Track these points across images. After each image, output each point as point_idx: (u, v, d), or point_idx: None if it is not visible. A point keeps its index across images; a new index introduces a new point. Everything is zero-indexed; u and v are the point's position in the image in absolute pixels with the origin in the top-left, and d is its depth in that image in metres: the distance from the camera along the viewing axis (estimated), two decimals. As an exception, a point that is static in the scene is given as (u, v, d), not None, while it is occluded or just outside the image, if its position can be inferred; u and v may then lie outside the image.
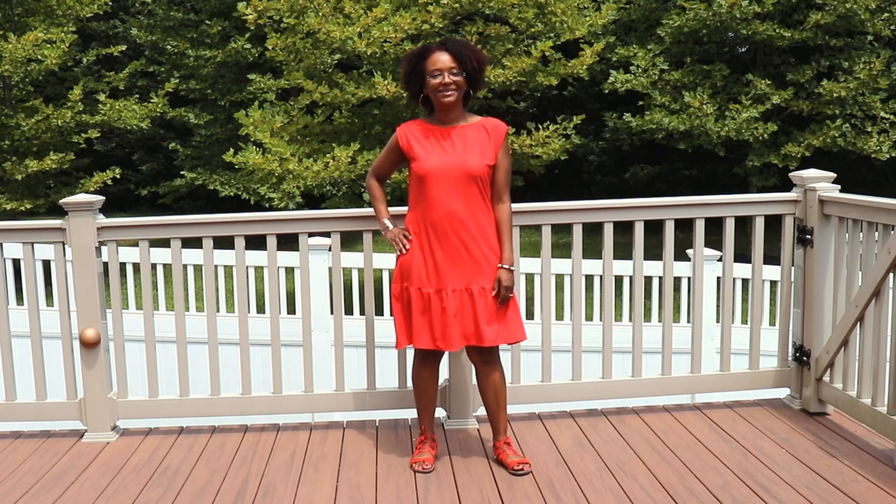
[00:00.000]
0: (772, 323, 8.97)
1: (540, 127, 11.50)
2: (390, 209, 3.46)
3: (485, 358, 3.24)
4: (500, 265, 3.22)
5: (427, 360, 3.33)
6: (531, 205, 3.72)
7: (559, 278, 8.43)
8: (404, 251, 3.22)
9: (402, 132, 3.27)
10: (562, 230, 8.09)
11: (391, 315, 3.58)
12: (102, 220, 3.66)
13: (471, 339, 3.17)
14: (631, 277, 6.34)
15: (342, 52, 10.99)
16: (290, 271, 9.78)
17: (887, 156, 12.11)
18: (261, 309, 11.40)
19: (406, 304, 3.22)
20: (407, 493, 3.05)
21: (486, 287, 3.17)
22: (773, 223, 3.83)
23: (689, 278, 7.92)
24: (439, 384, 3.73)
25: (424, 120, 3.29)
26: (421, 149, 3.20)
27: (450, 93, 3.16)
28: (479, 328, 3.15)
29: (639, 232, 3.76)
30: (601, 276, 4.38)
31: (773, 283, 8.36)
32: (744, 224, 5.18)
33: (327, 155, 10.80)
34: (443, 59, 3.15)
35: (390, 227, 3.32)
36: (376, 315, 7.10)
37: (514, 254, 3.45)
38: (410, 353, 3.74)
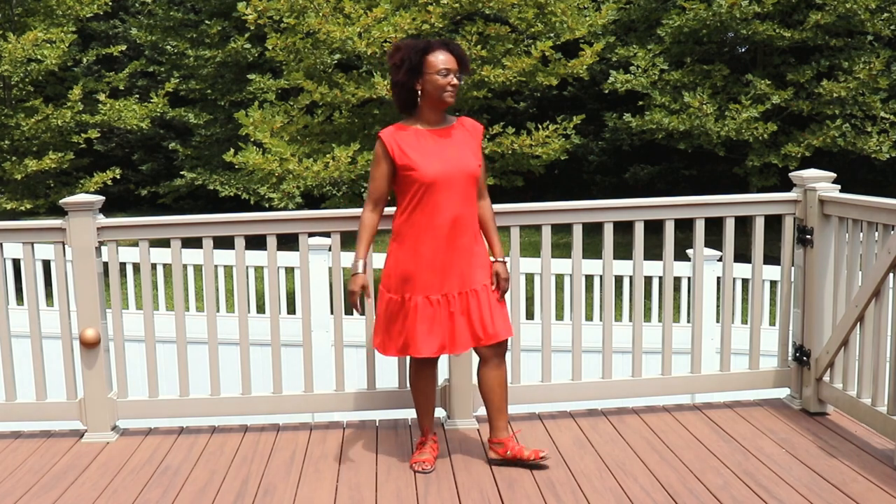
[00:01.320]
0: (772, 323, 8.97)
1: (540, 127, 11.51)
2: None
3: (497, 351, 3.22)
4: (496, 259, 3.23)
5: (427, 364, 3.30)
6: (531, 205, 3.72)
7: (559, 278, 8.43)
8: (359, 312, 3.14)
9: (389, 141, 3.10)
10: (562, 230, 8.11)
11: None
12: (102, 220, 3.66)
13: (479, 338, 3.15)
14: (631, 277, 6.34)
15: (342, 52, 10.99)
16: (290, 271, 9.78)
17: (887, 156, 12.12)
18: (261, 309, 11.40)
19: (407, 313, 3.14)
20: (407, 493, 3.05)
21: (487, 283, 3.18)
22: (773, 223, 3.83)
23: (689, 278, 7.92)
24: (439, 384, 3.73)
25: (404, 123, 3.15)
26: (418, 155, 3.07)
27: (453, 93, 3.11)
28: (485, 325, 3.14)
29: (639, 232, 3.76)
30: (601, 276, 4.38)
31: (773, 283, 8.37)
32: (744, 224, 5.18)
33: (327, 155, 10.80)
34: (451, 58, 3.08)
35: (361, 271, 3.13)
36: (376, 315, 7.09)
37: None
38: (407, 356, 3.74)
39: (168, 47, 16.69)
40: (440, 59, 3.06)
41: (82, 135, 14.04)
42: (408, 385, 3.74)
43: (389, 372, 4.00)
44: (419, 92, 3.09)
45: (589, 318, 9.00)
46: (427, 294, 3.12)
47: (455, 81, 3.08)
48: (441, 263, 3.11)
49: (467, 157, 3.13)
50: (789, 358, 3.86)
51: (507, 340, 3.23)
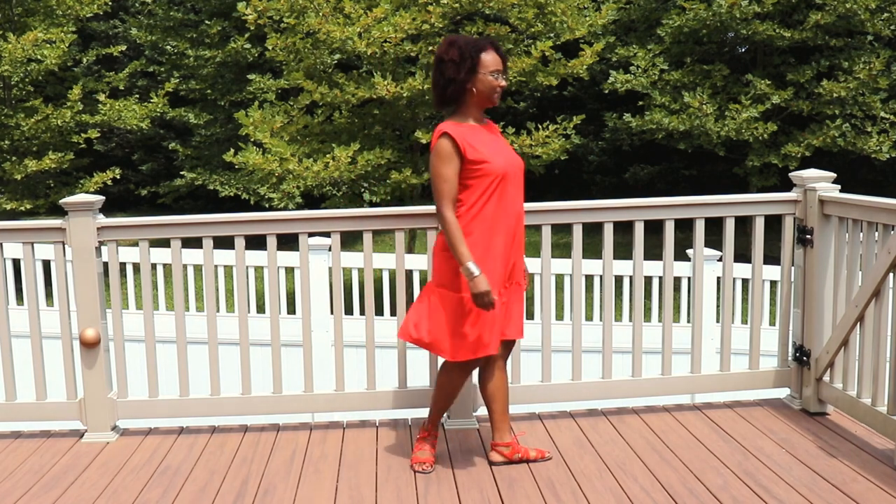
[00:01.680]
0: (772, 323, 8.98)
1: (540, 127, 11.51)
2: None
3: (508, 351, 3.25)
4: None
5: (471, 367, 3.21)
6: (531, 205, 3.70)
7: (559, 278, 8.43)
8: (497, 305, 3.00)
9: (458, 136, 2.98)
10: (562, 230, 8.12)
11: (395, 315, 3.50)
12: (102, 220, 3.66)
13: (507, 332, 3.15)
14: (631, 277, 6.34)
15: (342, 52, 10.99)
16: (290, 271, 9.80)
17: (887, 156, 12.13)
18: (261, 309, 11.41)
19: (481, 311, 3.02)
20: (407, 493, 3.05)
21: (523, 278, 3.26)
22: (773, 223, 3.83)
23: (689, 278, 7.93)
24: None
25: (456, 120, 3.07)
26: (486, 150, 3.01)
27: (500, 95, 3.11)
28: (518, 320, 3.18)
29: (639, 232, 3.76)
30: (601, 276, 4.38)
31: (773, 283, 8.37)
32: (744, 224, 5.18)
33: (327, 155, 10.80)
34: (498, 59, 3.05)
35: (479, 272, 2.92)
36: (376, 315, 7.10)
37: None
38: (411, 354, 3.74)
39: (168, 47, 16.70)
40: (491, 59, 3.03)
41: (82, 135, 14.05)
42: (408, 385, 3.75)
43: (389, 372, 4.00)
44: (472, 90, 3.04)
45: (589, 318, 9.01)
46: (498, 289, 3.08)
47: (503, 83, 3.08)
48: (508, 256, 3.11)
49: (513, 152, 3.17)
50: (789, 358, 3.86)
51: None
